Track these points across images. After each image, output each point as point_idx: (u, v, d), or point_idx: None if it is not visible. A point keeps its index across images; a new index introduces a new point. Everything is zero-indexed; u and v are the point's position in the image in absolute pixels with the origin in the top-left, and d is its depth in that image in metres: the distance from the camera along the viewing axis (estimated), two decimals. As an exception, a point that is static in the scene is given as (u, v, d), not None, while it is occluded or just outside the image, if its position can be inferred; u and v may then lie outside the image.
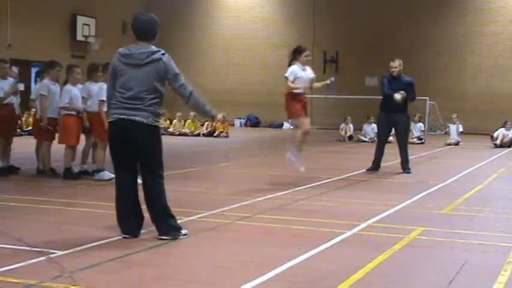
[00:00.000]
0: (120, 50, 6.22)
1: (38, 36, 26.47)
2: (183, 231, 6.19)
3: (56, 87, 10.84)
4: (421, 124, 23.01)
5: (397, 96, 11.88)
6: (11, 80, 11.11)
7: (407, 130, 12.97)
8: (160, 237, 6.09)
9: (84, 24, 29.02)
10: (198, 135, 24.00)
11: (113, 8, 30.41)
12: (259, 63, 32.15)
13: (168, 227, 6.13)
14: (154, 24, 6.24)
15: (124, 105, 6.05)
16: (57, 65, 10.92)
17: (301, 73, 10.40)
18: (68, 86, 10.52)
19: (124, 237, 6.07)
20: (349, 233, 6.57)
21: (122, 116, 6.05)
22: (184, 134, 24.10)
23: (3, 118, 10.78)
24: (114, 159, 6.25)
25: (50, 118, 10.69)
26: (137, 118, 6.00)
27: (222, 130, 23.69)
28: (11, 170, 10.90)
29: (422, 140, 21.83)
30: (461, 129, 21.99)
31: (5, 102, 10.81)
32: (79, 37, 28.83)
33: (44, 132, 10.72)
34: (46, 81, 10.83)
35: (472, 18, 29.43)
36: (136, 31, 6.20)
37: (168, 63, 6.11)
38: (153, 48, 6.15)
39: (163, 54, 6.13)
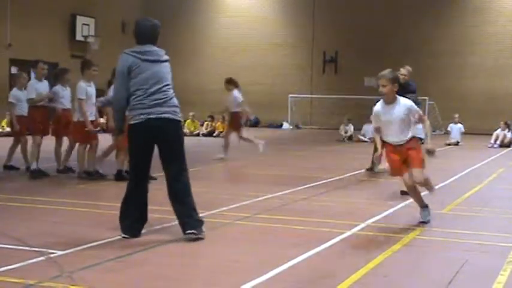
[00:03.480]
0: (129, 50, 6.22)
1: (37, 36, 26.44)
2: (203, 228, 6.20)
3: (92, 89, 10.36)
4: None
5: None
6: (45, 82, 10.75)
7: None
8: (190, 231, 6.01)
9: (83, 24, 29.00)
10: (198, 135, 24.01)
11: (112, 8, 30.40)
12: (259, 63, 32.13)
13: (196, 221, 6.13)
14: (157, 29, 6.39)
15: (150, 103, 6.04)
16: (93, 64, 10.37)
17: None
18: None
19: (124, 237, 6.07)
20: (349, 233, 6.57)
21: (150, 116, 6.05)
22: (184, 134, 24.07)
23: (34, 120, 10.52)
24: (138, 159, 6.21)
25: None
26: (166, 115, 6.10)
27: (221, 130, 23.68)
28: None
29: (423, 140, 21.80)
30: (463, 130, 22.01)
31: (38, 104, 10.50)
32: (78, 37, 28.81)
33: (83, 135, 10.28)
34: (82, 83, 10.24)
35: (472, 19, 29.41)
36: (141, 35, 6.28)
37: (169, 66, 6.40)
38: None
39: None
